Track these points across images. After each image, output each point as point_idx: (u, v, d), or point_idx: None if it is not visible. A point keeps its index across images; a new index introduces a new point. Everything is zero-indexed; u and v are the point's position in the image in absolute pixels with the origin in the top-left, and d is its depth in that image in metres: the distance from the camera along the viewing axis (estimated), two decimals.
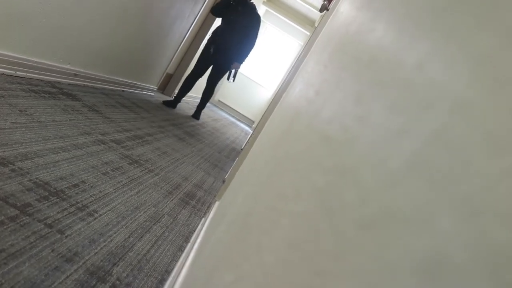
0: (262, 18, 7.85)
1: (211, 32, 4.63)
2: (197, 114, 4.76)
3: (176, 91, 5.21)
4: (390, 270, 0.16)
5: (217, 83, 4.69)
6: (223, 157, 3.49)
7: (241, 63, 4.63)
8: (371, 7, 0.65)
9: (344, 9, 1.22)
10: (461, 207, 0.13)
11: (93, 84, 2.97)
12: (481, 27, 0.22)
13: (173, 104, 4.42)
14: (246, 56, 4.61)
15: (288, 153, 0.57)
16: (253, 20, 4.44)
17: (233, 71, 4.66)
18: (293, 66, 3.62)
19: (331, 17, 1.86)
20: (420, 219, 0.16)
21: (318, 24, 3.43)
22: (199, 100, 5.29)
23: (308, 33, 7.35)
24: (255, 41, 4.56)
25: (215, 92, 8.07)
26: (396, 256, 0.16)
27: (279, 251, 0.32)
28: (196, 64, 4.52)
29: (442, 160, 0.16)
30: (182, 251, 1.46)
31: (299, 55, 3.41)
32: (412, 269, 0.14)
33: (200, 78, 4.66)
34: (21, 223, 1.07)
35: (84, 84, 2.82)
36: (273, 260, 0.33)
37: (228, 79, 4.71)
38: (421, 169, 0.18)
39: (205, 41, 5.27)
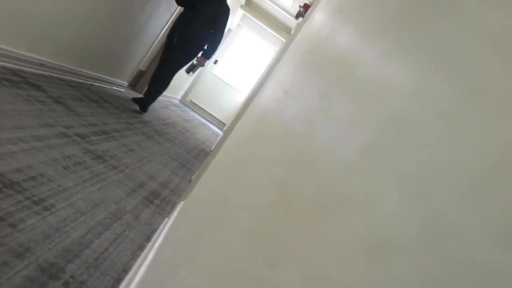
0: (239, 23, 7.87)
1: (173, 20, 4.20)
2: (143, 104, 3.82)
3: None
4: (340, 252, 0.15)
5: (174, 73, 4.03)
6: (192, 157, 3.45)
7: (208, 59, 4.14)
8: (341, 13, 0.66)
9: (318, 16, 1.24)
10: (408, 186, 0.13)
11: (60, 76, 2.86)
12: (432, 30, 0.22)
13: (143, 105, 3.83)
14: (214, 52, 4.14)
15: (254, 151, 0.57)
16: (221, 10, 3.96)
17: (196, 64, 4.13)
18: (266, 71, 3.64)
19: (306, 23, 1.88)
20: (370, 202, 0.15)
21: (294, 32, 3.47)
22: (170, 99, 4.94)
23: (284, 40, 7.43)
24: (222, 34, 4.08)
25: (187, 93, 7.99)
26: (347, 238, 0.16)
27: (234, 244, 0.31)
28: (161, 57, 4.02)
29: (394, 144, 0.16)
30: (142, 250, 1.42)
31: (273, 60, 3.44)
32: (362, 250, 0.14)
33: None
34: None
35: (51, 75, 2.71)
36: (228, 252, 0.32)
37: (187, 72, 4.17)
38: (374, 154, 0.17)
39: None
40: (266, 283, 0.22)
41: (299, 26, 2.72)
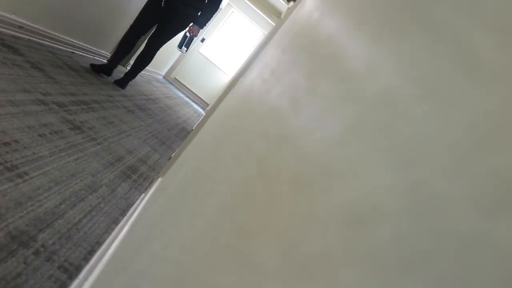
0: (229, 2, 7.73)
1: None
2: (123, 81, 3.43)
3: (131, 62, 4.04)
4: (321, 223, 0.15)
5: (161, 46, 3.43)
6: (172, 135, 3.41)
7: (202, 27, 3.47)
8: None
9: (309, 1, 1.23)
10: (394, 157, 0.13)
11: (40, 40, 2.76)
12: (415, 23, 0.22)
13: (106, 69, 3.27)
14: (209, 19, 3.49)
15: (235, 127, 0.56)
16: None
17: (188, 36, 3.45)
18: (254, 54, 3.60)
19: (297, 8, 1.86)
20: (354, 175, 0.15)
21: (284, 16, 3.43)
22: (149, 73, 4.56)
23: (273, 24, 7.35)
24: (220, 1, 3.51)
25: (172, 69, 7.85)
26: (328, 210, 0.15)
27: (210, 216, 0.31)
28: (138, 16, 3.27)
29: (380, 118, 0.16)
30: (117, 224, 1.41)
31: (261, 43, 3.40)
32: (344, 220, 0.14)
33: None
34: None
35: (30, 39, 2.61)
36: (203, 225, 0.31)
37: (180, 47, 3.48)
38: (359, 129, 0.17)
39: None
40: (241, 254, 0.22)
41: (289, 10, 2.69)
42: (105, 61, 3.46)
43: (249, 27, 8.11)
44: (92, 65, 3.20)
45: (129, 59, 4.34)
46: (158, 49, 3.49)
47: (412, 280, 0.10)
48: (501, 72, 0.12)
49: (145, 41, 3.47)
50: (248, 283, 0.18)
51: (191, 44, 3.52)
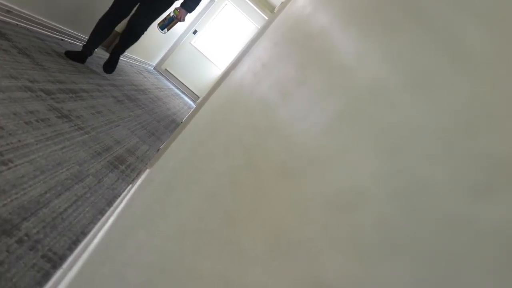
0: None
1: None
2: (109, 65, 3.19)
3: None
4: (308, 210, 0.15)
5: (148, 26, 3.11)
6: (162, 127, 3.39)
7: (190, 11, 3.19)
8: None
9: None
10: (380, 145, 0.13)
11: (28, 26, 2.70)
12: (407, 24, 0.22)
13: (80, 56, 2.96)
14: (198, 3, 3.22)
15: (225, 119, 0.56)
16: None
17: (173, 18, 3.13)
18: (246, 47, 3.58)
19: (290, 2, 1.86)
20: (341, 161, 0.15)
21: (277, 10, 3.42)
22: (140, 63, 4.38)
23: (266, 18, 7.33)
24: None
25: (162, 60, 7.77)
26: (315, 197, 0.15)
27: (196, 204, 0.31)
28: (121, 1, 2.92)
29: (368, 107, 0.16)
30: (103, 215, 1.40)
31: (254, 37, 3.39)
32: (330, 207, 0.14)
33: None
34: None
35: (18, 24, 2.55)
36: (188, 213, 0.31)
37: (161, 27, 3.14)
38: (346, 118, 0.17)
39: None
40: (227, 241, 0.22)
41: (283, 5, 2.68)
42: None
43: (242, 20, 8.07)
44: (67, 52, 2.88)
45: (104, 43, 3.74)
46: (146, 29, 3.13)
47: (394, 262, 0.10)
48: (487, 62, 0.12)
49: (130, 20, 3.08)
50: (234, 269, 0.18)
51: (173, 25, 3.16)
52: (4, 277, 0.87)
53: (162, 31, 3.16)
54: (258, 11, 7.54)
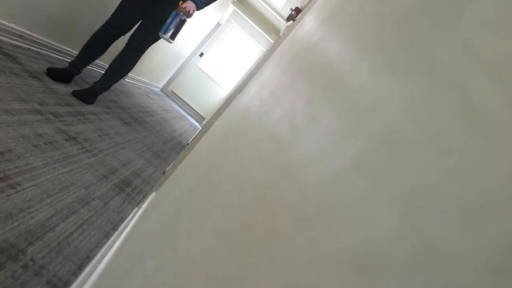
0: (229, 18, 7.83)
1: None
2: (90, 93, 2.53)
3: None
4: (321, 265, 0.15)
5: (152, 42, 2.60)
6: (168, 148, 3.40)
7: (199, 8, 2.50)
8: (334, 22, 0.66)
9: (309, 21, 1.24)
10: (399, 204, 0.13)
11: (39, 50, 2.76)
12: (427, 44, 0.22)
13: (64, 75, 2.44)
14: (209, 2, 2.59)
15: (233, 148, 0.56)
16: None
17: (178, 18, 2.42)
18: (251, 70, 3.63)
19: (296, 27, 1.89)
20: (357, 215, 0.15)
21: (283, 34, 3.47)
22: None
23: (272, 41, 7.44)
24: None
25: (169, 82, 7.87)
26: (330, 252, 0.15)
27: (208, 242, 0.31)
28: (118, 10, 2.46)
29: (385, 159, 0.16)
30: (108, 239, 1.39)
31: (259, 60, 3.44)
32: (346, 266, 0.14)
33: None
34: None
35: (29, 48, 2.61)
36: (199, 250, 0.31)
37: (163, 32, 2.43)
38: (364, 168, 0.17)
39: None
40: (241, 285, 0.22)
41: (288, 29, 2.73)
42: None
43: (247, 43, 8.20)
44: (50, 69, 2.36)
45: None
46: (149, 46, 2.62)
47: None
48: (504, 125, 0.12)
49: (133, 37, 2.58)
50: None
51: (179, 31, 2.49)
52: None
53: (165, 36, 2.46)
54: (263, 34, 7.67)
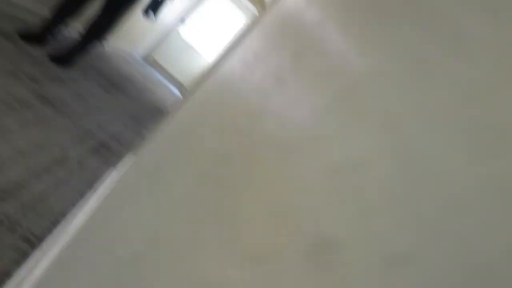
0: None
1: None
2: (67, 55, 2.30)
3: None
4: (304, 178, 0.16)
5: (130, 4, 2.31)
6: (147, 114, 3.36)
7: None
8: None
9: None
10: (380, 124, 0.14)
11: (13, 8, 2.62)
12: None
13: (39, 37, 2.21)
14: None
15: (217, 104, 0.57)
16: None
17: None
18: (234, 41, 3.55)
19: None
20: (343, 136, 0.16)
21: (270, 8, 3.41)
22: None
23: (256, 13, 7.31)
24: None
25: (151, 49, 7.65)
26: (313, 167, 0.16)
27: (190, 184, 0.32)
28: None
29: (370, 93, 0.17)
30: (83, 197, 1.39)
31: (242, 31, 3.37)
32: (328, 172, 0.15)
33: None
34: None
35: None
36: (181, 193, 0.32)
37: (146, 12, 2.30)
38: (348, 100, 0.18)
39: None
40: (226, 212, 0.23)
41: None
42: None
43: (230, 9, 8.00)
44: (21, 33, 2.13)
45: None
46: (122, 14, 2.39)
47: (395, 217, 0.11)
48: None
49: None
50: (235, 233, 0.19)
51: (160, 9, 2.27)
52: None
53: (148, 15, 2.30)
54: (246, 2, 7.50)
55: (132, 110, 3.07)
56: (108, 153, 1.92)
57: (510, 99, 0.13)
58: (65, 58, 2.33)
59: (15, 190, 1.14)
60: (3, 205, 1.06)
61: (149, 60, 7.82)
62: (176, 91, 7.28)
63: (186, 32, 7.91)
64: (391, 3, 0.24)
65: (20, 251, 0.95)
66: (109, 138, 2.09)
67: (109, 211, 0.65)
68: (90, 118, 2.11)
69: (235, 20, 7.98)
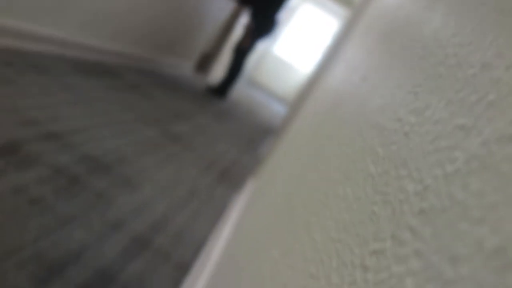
0: None
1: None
2: (221, 89, 4.08)
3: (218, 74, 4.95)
4: (449, 257, 0.18)
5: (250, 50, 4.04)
6: (258, 136, 3.52)
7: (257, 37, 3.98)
8: None
9: None
10: None
11: (136, 64, 3.05)
12: None
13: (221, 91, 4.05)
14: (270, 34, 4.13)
15: (333, 138, 0.59)
16: None
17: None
18: (330, 48, 3.53)
19: None
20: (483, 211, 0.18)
21: (359, 5, 3.32)
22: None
23: (346, 13, 7.13)
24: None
25: (251, 72, 8.02)
26: (457, 243, 0.18)
27: (329, 231, 0.35)
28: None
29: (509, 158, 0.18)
30: (216, 224, 1.52)
31: (337, 37, 3.33)
32: (481, 260, 0.16)
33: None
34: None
35: (128, 63, 2.90)
36: (323, 239, 0.35)
37: (213, 92, 4.20)
38: (486, 168, 0.19)
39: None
40: (369, 271, 0.25)
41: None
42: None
43: (320, 17, 7.95)
44: (209, 88, 4.00)
45: None
46: (246, 53, 4.01)
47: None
48: None
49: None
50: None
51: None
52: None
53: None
54: (336, 7, 7.38)
55: (244, 135, 3.26)
56: (230, 179, 2.08)
57: None
58: (220, 91, 4.00)
59: (163, 222, 1.32)
60: (156, 236, 1.23)
61: (251, 82, 8.20)
62: (280, 107, 7.47)
63: (280, 49, 8.11)
64: None
65: (173, 280, 1.09)
66: (229, 165, 2.27)
67: (246, 244, 0.72)
68: (210, 149, 2.31)
69: (327, 25, 7.89)
